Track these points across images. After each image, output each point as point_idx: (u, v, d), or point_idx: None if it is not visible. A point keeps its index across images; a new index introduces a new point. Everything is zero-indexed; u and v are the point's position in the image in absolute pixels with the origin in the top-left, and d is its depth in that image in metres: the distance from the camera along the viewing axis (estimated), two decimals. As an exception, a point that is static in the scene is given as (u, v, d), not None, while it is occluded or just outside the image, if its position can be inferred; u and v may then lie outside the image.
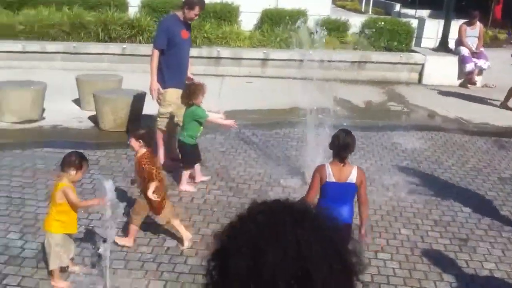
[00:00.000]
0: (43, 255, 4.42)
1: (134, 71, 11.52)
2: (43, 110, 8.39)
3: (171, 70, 6.22)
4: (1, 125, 7.92)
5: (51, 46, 12.41)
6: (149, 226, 5.12)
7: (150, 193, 4.50)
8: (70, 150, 6.68)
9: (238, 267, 1.25)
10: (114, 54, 12.35)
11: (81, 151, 6.73)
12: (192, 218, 5.41)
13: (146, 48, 12.41)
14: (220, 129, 7.41)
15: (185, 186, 5.97)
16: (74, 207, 4.06)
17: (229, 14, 13.76)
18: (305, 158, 6.59)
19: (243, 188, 6.19)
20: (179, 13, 6.39)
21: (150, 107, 7.88)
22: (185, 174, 5.98)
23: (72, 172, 4.04)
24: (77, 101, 9.09)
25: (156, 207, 4.71)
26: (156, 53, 6.19)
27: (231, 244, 1.35)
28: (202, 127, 5.97)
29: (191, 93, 5.77)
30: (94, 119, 8.15)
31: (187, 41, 6.49)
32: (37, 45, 12.40)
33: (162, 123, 6.46)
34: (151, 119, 7.80)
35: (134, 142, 4.69)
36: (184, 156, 6.06)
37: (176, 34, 6.23)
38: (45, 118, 8.26)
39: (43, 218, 5.08)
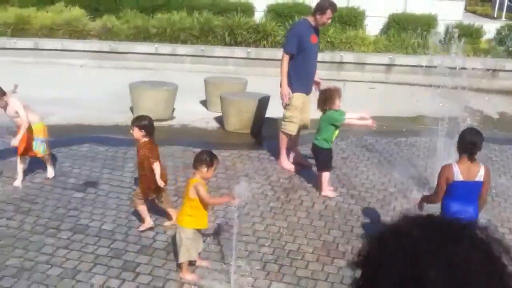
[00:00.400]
0: (173, 247, 4.65)
1: (258, 74, 11.80)
2: (173, 109, 8.85)
3: (299, 74, 6.27)
4: (136, 122, 8.46)
5: (181, 48, 13.08)
6: (269, 227, 5.19)
7: (157, 178, 4.83)
8: (197, 149, 7.15)
9: (392, 282, 1.20)
10: (239, 58, 12.73)
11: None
12: (313, 223, 5.39)
13: (270, 53, 12.71)
14: (341, 135, 7.32)
15: (327, 191, 5.93)
16: (204, 203, 4.22)
17: (354, 19, 13.61)
18: (432, 170, 6.30)
19: (365, 196, 6.06)
20: (310, 18, 6.41)
21: (273, 110, 8.03)
22: (325, 179, 5.93)
23: (204, 169, 4.20)
24: (204, 102, 9.49)
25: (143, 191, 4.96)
26: (287, 57, 6.26)
27: (384, 259, 1.29)
28: (337, 131, 5.92)
29: (328, 98, 5.74)
30: (219, 120, 8.45)
31: (315, 46, 6.50)
32: (169, 47, 13.13)
33: (286, 127, 6.52)
34: (275, 122, 7.96)
35: (137, 132, 4.95)
36: (320, 160, 6.01)
37: (306, 39, 6.27)
38: (175, 118, 8.71)
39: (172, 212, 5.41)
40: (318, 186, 6.10)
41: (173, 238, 4.72)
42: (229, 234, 4.78)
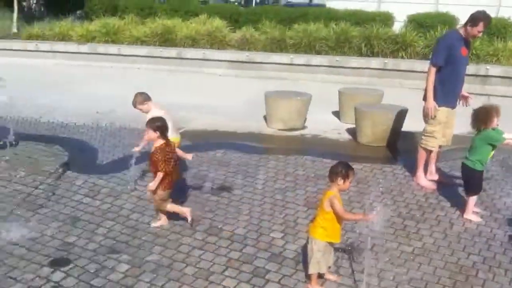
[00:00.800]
0: (302, 258, 4.62)
1: (393, 86, 11.47)
2: (305, 119, 8.87)
3: (445, 88, 5.96)
4: (269, 131, 8.62)
5: (316, 59, 13.12)
6: (403, 246, 4.96)
7: (151, 184, 4.99)
8: (327, 160, 7.09)
9: None
10: (375, 69, 12.47)
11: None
12: (451, 246, 5.04)
13: (408, 64, 12.29)
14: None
15: (470, 215, 5.56)
16: (338, 216, 4.14)
17: (503, 30, 12.68)
18: None
19: (510, 220, 5.55)
20: (461, 30, 6.08)
21: (411, 124, 7.72)
22: (471, 202, 5.56)
23: (340, 181, 4.13)
24: (336, 113, 9.40)
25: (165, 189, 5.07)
26: (433, 70, 5.97)
27: None
28: (493, 152, 5.52)
29: (485, 116, 5.36)
30: (352, 132, 8.30)
31: (465, 59, 6.13)
32: (304, 58, 13.25)
33: (427, 142, 6.20)
34: (412, 136, 7.65)
35: (151, 133, 5.01)
36: (471, 183, 5.60)
37: (456, 51, 5.94)
38: (307, 127, 8.73)
39: (302, 222, 5.40)
40: (458, 206, 5.72)
41: (303, 248, 4.69)
42: (361, 250, 4.64)
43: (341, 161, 4.40)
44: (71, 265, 4.53)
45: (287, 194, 6.14)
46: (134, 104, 6.02)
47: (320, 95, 9.84)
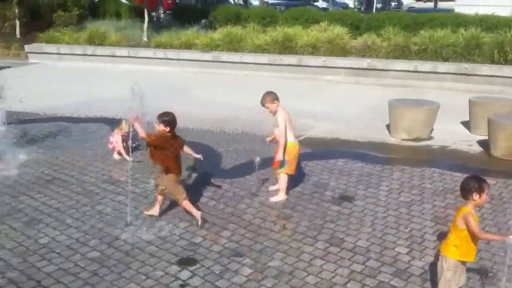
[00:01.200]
0: (430, 276, 4.37)
1: (530, 95, 10.56)
2: (432, 129, 8.44)
3: None
4: (392, 140, 8.33)
5: (442, 66, 12.50)
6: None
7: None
8: (457, 173, 6.67)
9: None
10: (508, 77, 11.59)
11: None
12: None
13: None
14: None
15: None
16: (473, 236, 3.85)
17: None
18: None
19: None
20: None
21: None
22: None
23: (476, 197, 3.83)
24: (466, 124, 8.86)
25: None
26: None
27: None
28: None
29: None
30: (484, 144, 7.76)
31: None
32: (429, 65, 12.69)
33: None
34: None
35: (161, 127, 5.32)
36: None
37: None
38: (434, 138, 8.30)
39: (430, 238, 5.12)
40: None
41: (431, 265, 4.44)
42: (495, 272, 4.29)
43: (471, 175, 4.10)
44: (197, 265, 4.67)
45: (413, 208, 5.86)
46: (263, 103, 6.05)
47: (447, 104, 9.33)
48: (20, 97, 10.64)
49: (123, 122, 7.43)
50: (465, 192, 3.91)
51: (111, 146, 7.54)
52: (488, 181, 6.32)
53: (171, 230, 5.32)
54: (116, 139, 7.44)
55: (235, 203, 6.00)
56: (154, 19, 20.99)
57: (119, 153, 7.40)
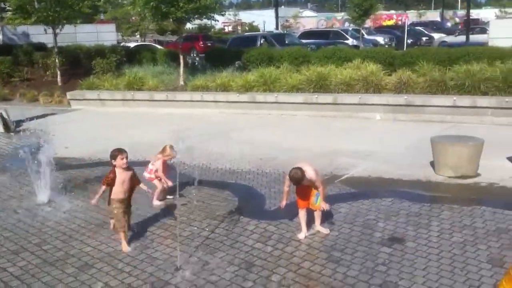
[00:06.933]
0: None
1: None
2: (478, 166, 8.26)
3: None
4: (437, 178, 8.17)
5: (482, 100, 12.34)
6: None
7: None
8: (509, 212, 6.48)
9: None
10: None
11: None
12: None
13: None
14: None
15: None
16: None
17: None
18: None
19: None
20: None
21: None
22: None
23: None
24: (513, 159, 8.65)
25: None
26: None
27: None
28: None
29: None
30: (535, 180, 7.55)
31: None
32: (468, 99, 12.54)
33: None
34: None
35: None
36: None
37: None
38: (481, 175, 8.12)
39: (488, 282, 4.94)
40: None
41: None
42: None
43: None
44: (252, 312, 4.60)
45: (467, 249, 5.68)
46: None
47: (491, 139, 9.13)
48: (65, 143, 10.91)
49: (167, 146, 7.29)
50: None
51: (148, 176, 7.28)
52: (544, 220, 6.22)
53: (220, 275, 5.28)
54: (156, 167, 7.23)
55: (282, 245, 5.94)
56: (189, 63, 21.46)
57: (160, 180, 7.18)
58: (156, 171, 7.29)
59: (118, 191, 5.88)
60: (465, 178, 8.01)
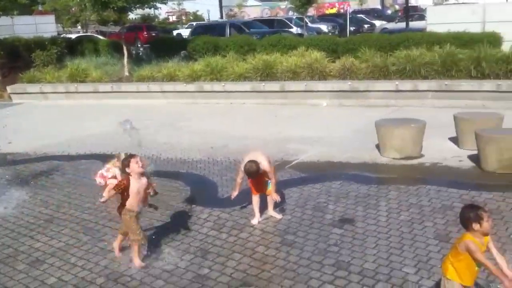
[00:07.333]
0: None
1: (510, 108, 10.83)
2: (421, 147, 8.58)
3: None
4: (383, 160, 8.43)
5: (422, 84, 12.77)
6: None
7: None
8: (452, 189, 6.79)
9: None
10: (488, 91, 11.89)
11: (465, 191, 6.72)
12: None
13: (526, 84, 11.61)
14: None
15: None
16: (476, 262, 3.84)
17: None
18: None
19: None
20: None
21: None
22: None
23: (476, 226, 3.82)
24: (453, 139, 9.02)
25: None
26: None
27: None
28: None
29: None
30: (474, 158, 7.91)
31: None
32: (410, 83, 12.94)
33: None
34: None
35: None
36: None
37: None
38: (424, 155, 8.44)
39: (435, 257, 5.15)
40: None
41: (438, 284, 4.46)
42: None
43: (467, 205, 4.14)
44: (208, 298, 4.64)
45: (414, 227, 5.91)
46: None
47: (432, 121, 9.49)
48: (8, 138, 10.54)
49: (122, 154, 7.05)
50: (464, 223, 3.91)
51: (103, 182, 7.09)
52: (484, 195, 6.55)
53: (176, 263, 5.29)
54: (113, 173, 7.02)
55: (236, 232, 6.00)
56: (134, 53, 21.07)
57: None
58: (115, 177, 6.98)
59: (133, 203, 5.19)
60: (410, 159, 8.31)
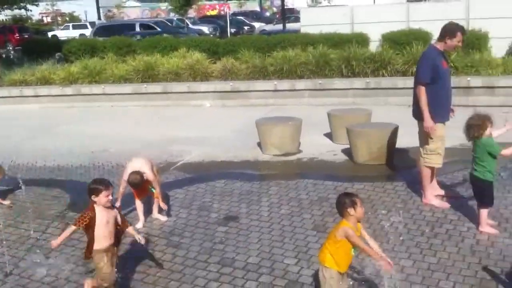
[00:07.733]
0: (318, 283, 4.66)
1: (379, 104, 11.69)
2: (299, 143, 8.99)
3: (438, 103, 6.05)
4: (264, 157, 8.71)
5: (299, 83, 13.33)
6: (418, 263, 5.02)
7: None
8: (328, 182, 7.19)
9: None
10: (358, 89, 12.70)
11: (340, 183, 7.15)
12: (466, 259, 5.03)
13: (390, 81, 12.58)
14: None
15: (486, 227, 5.55)
16: (354, 247, 4.12)
17: (477, 42, 13.09)
18: None
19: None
20: (438, 44, 6.25)
21: (402, 140, 7.93)
22: (483, 214, 5.55)
23: (351, 212, 4.10)
24: (328, 135, 9.55)
25: None
26: (423, 88, 6.04)
27: None
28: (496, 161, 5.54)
29: (479, 125, 5.41)
30: (347, 152, 8.44)
31: (448, 71, 6.34)
32: (287, 83, 13.45)
33: (431, 160, 6.23)
34: (406, 152, 7.87)
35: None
36: (483, 194, 5.57)
37: (439, 66, 6.10)
38: (302, 151, 8.84)
39: (314, 247, 5.42)
40: (466, 218, 5.80)
41: (317, 273, 4.71)
42: (376, 270, 4.67)
43: (342, 193, 4.44)
44: (92, 308, 4.51)
45: (294, 219, 6.18)
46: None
47: (309, 118, 9.98)
48: None
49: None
50: (340, 209, 4.18)
51: None
52: (356, 186, 7.02)
53: (56, 275, 5.08)
54: None
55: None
56: (3, 56, 19.74)
57: None
58: None
59: (102, 236, 4.41)
60: (289, 155, 8.67)
